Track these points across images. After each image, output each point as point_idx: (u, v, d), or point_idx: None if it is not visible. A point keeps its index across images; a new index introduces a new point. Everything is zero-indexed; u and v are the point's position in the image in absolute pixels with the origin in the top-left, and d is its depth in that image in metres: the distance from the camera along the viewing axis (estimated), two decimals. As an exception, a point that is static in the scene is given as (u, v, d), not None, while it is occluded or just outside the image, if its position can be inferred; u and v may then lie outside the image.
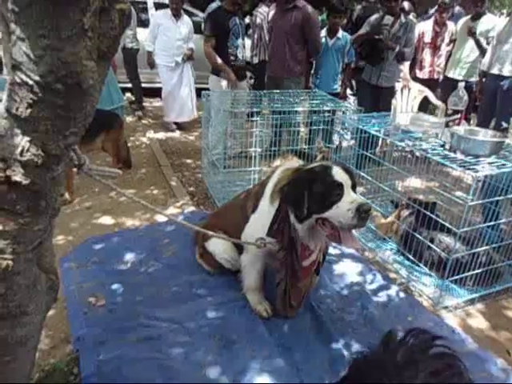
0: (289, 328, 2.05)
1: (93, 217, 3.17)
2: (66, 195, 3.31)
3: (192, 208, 3.25)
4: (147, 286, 2.30)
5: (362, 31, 4.23)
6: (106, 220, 3.11)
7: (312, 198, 1.69)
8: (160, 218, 3.09)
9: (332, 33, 4.28)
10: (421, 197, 3.09)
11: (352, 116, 3.12)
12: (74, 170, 1.39)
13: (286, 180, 1.82)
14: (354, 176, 1.77)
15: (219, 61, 3.94)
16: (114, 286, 2.30)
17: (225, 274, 2.37)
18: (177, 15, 5.09)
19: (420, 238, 2.41)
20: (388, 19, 4.06)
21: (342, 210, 1.64)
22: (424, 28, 4.87)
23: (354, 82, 6.04)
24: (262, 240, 1.88)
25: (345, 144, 3.89)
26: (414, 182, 3.47)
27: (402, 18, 4.07)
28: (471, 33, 4.45)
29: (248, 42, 5.97)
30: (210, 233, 1.98)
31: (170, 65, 5.21)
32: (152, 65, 5.46)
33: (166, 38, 5.13)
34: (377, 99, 4.26)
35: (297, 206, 1.74)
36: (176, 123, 5.54)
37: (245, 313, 2.12)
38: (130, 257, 2.58)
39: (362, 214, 1.61)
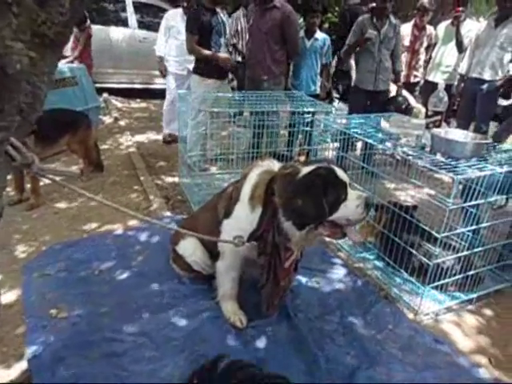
0: (264, 339, 1.93)
1: (60, 222, 3.00)
2: (32, 199, 3.14)
3: (167, 213, 3.12)
4: (115, 295, 2.16)
5: (350, 40, 4.14)
6: (75, 225, 2.95)
7: (323, 204, 1.63)
8: (132, 224, 2.93)
9: (309, 33, 4.23)
10: (401, 200, 3.04)
11: (337, 119, 3.05)
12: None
13: (279, 189, 1.69)
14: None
15: (206, 52, 3.76)
16: (79, 297, 2.15)
17: (198, 281, 2.25)
18: None
19: (400, 242, 2.34)
20: (371, 33, 3.99)
21: (351, 208, 1.65)
22: (403, 32, 4.86)
23: (340, 86, 6.01)
24: (240, 238, 1.76)
25: (325, 146, 3.83)
26: (395, 185, 3.43)
27: (392, 19, 4.03)
28: (458, 21, 4.38)
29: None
30: (184, 231, 1.89)
31: (182, 73, 4.64)
32: (164, 72, 4.87)
33: (177, 41, 4.52)
34: (371, 103, 4.20)
35: (318, 215, 1.65)
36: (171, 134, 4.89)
37: (218, 323, 2.00)
38: (97, 264, 2.43)
39: (369, 206, 1.67)
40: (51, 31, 1.07)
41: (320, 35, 4.29)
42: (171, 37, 4.63)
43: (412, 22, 4.89)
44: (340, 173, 1.69)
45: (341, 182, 1.67)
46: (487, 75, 4.05)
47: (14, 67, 0.75)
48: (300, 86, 4.33)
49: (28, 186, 3.21)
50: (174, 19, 4.61)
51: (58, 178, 1.31)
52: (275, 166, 1.87)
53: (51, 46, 1.11)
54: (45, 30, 1.05)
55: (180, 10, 4.65)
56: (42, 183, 3.27)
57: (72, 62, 5.23)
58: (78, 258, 2.50)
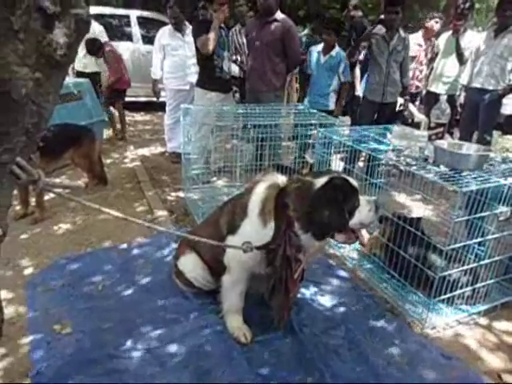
0: (269, 355, 1.92)
1: (64, 236, 3.00)
2: (36, 213, 3.16)
3: (171, 226, 3.11)
4: (118, 311, 2.15)
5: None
6: (79, 240, 2.95)
7: (342, 213, 1.71)
8: (136, 238, 2.93)
9: (326, 49, 4.22)
10: (406, 212, 3.02)
11: (340, 131, 3.05)
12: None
13: (299, 203, 1.70)
14: None
15: (213, 30, 3.68)
16: (83, 312, 2.15)
17: (201, 295, 2.24)
18: (180, 30, 4.53)
19: (405, 255, 2.32)
20: (379, 29, 4.03)
21: (364, 212, 1.75)
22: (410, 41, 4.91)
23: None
24: (249, 244, 1.75)
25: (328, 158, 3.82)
26: (399, 197, 3.41)
27: (401, 33, 4.04)
28: (457, 34, 4.41)
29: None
30: (190, 236, 1.92)
31: (184, 87, 4.57)
32: (158, 94, 4.94)
33: (174, 58, 4.55)
34: (378, 115, 4.20)
35: (341, 224, 1.73)
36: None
37: (222, 339, 1.98)
38: (101, 279, 2.43)
39: (378, 209, 1.80)
40: (57, 52, 1.09)
41: (337, 52, 4.22)
42: (168, 55, 4.59)
43: (420, 33, 4.94)
44: (352, 181, 1.78)
45: (355, 189, 1.76)
46: (489, 85, 4.06)
47: (20, 92, 0.76)
48: (311, 101, 4.30)
49: (32, 199, 3.23)
50: (164, 37, 4.58)
51: (63, 192, 1.31)
52: (279, 179, 1.87)
53: (57, 67, 1.13)
54: (50, 51, 1.07)
55: (168, 27, 4.62)
56: (46, 197, 3.29)
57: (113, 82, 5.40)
58: (81, 273, 2.50)
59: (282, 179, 1.86)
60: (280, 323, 1.99)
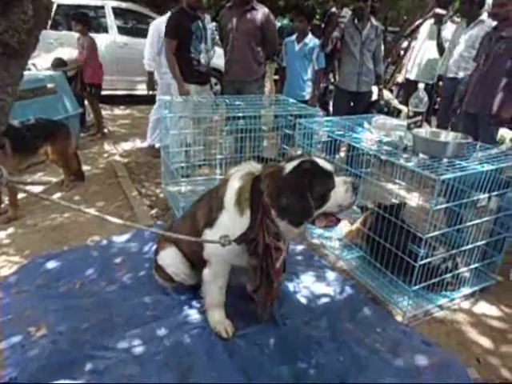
0: (251, 349, 1.90)
1: (40, 234, 2.91)
2: (10, 212, 3.05)
3: (150, 221, 3.05)
4: (97, 310, 2.10)
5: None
6: (55, 238, 2.86)
7: (313, 197, 1.65)
8: (115, 233, 2.87)
9: (300, 37, 4.18)
10: (387, 201, 3.03)
11: (320, 121, 3.03)
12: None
13: (270, 189, 1.67)
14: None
15: (177, 72, 3.75)
16: (60, 313, 2.08)
17: (182, 291, 2.21)
18: None
19: (386, 244, 2.33)
20: (346, 12, 4.01)
21: (340, 194, 1.70)
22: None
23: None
24: (227, 237, 1.72)
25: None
26: (380, 187, 3.42)
27: (373, 21, 4.03)
28: (440, 24, 4.46)
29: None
30: (166, 233, 1.89)
31: None
32: (152, 87, 4.66)
33: None
34: (354, 105, 4.20)
35: (305, 212, 1.67)
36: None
37: (204, 334, 1.95)
38: (79, 278, 2.37)
39: (356, 189, 1.73)
40: (14, 39, 1.02)
41: (310, 39, 4.18)
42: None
43: None
44: (323, 163, 1.72)
45: (326, 171, 1.70)
46: (462, 75, 4.13)
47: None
48: (288, 91, 4.24)
49: (6, 198, 3.12)
50: (162, 28, 4.25)
51: (34, 189, 1.25)
52: (254, 167, 1.84)
53: (15, 56, 1.07)
54: (7, 38, 1.00)
55: (165, 18, 4.37)
56: (20, 195, 3.18)
57: (78, 67, 5.13)
58: (58, 272, 2.43)
59: (257, 167, 1.83)
60: (263, 315, 1.98)
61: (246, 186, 1.75)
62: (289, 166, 1.70)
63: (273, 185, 1.68)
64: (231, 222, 1.77)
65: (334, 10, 5.73)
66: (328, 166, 1.72)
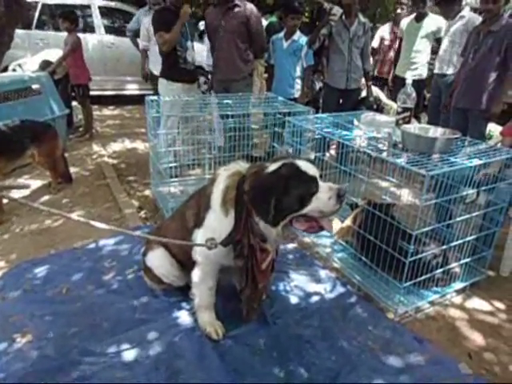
0: (242, 350, 1.87)
1: (27, 238, 2.86)
2: (-5, 216, 2.99)
3: (139, 223, 3.01)
4: (84, 314, 2.06)
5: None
6: (42, 242, 2.81)
7: (290, 199, 1.60)
8: (104, 236, 2.82)
9: (288, 34, 4.12)
10: (378, 198, 3.03)
11: (309, 119, 3.01)
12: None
13: (248, 188, 1.65)
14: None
15: (176, 27, 3.57)
16: (46, 318, 2.04)
17: (171, 293, 2.18)
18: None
19: (376, 241, 2.32)
20: (337, 10, 3.99)
21: (323, 200, 1.63)
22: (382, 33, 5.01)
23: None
24: (213, 241, 1.70)
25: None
26: (371, 184, 3.41)
27: (361, 18, 4.02)
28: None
29: (200, 47, 5.75)
30: (151, 237, 1.84)
31: None
32: (147, 76, 4.62)
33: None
34: (343, 102, 4.18)
35: (277, 212, 1.61)
36: None
37: (194, 336, 1.93)
38: (66, 282, 2.32)
39: (342, 197, 1.65)
40: (-16, 38, 0.99)
41: (299, 37, 4.12)
42: (155, 43, 4.07)
43: (391, 23, 5.02)
44: (306, 166, 1.65)
45: (307, 175, 1.63)
46: (447, 70, 4.15)
47: None
48: (277, 89, 4.19)
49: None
50: (147, 22, 4.28)
51: (17, 194, 1.21)
52: (242, 167, 1.82)
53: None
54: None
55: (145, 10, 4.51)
56: (5, 200, 3.12)
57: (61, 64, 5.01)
58: (45, 277, 2.38)
59: (245, 167, 1.81)
60: (249, 316, 1.96)
61: (233, 186, 1.73)
62: (271, 167, 1.66)
63: (251, 184, 1.66)
64: (217, 222, 1.75)
65: (325, 6, 5.71)
66: (311, 170, 1.65)
